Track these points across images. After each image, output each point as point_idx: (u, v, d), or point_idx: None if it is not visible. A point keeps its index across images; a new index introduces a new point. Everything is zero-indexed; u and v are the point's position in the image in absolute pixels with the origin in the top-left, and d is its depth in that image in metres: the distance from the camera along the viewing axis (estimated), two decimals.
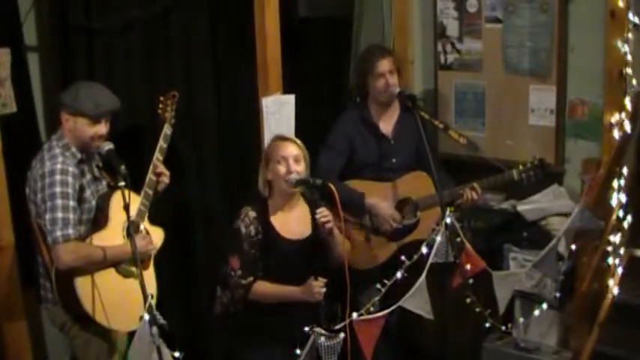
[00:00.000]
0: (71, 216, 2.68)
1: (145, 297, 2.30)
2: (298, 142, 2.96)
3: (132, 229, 2.62)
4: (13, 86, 3.06)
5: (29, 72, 3.23)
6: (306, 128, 3.49)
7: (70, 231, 2.66)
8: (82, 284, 2.69)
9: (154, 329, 2.27)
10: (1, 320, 2.77)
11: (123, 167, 2.59)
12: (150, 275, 2.96)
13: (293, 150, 2.87)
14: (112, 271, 2.80)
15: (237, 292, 2.82)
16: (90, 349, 2.88)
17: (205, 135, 3.65)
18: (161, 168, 3.03)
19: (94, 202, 2.85)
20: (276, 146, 2.90)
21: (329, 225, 2.83)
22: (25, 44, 3.22)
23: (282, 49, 3.27)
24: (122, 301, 2.77)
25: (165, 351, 2.30)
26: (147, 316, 2.25)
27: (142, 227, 2.93)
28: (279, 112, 3.30)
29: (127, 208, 2.48)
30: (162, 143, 3.04)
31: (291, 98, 3.33)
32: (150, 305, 2.27)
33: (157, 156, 3.01)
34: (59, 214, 2.65)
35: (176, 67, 3.54)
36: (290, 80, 3.40)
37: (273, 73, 3.24)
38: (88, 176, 2.88)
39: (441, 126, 3.57)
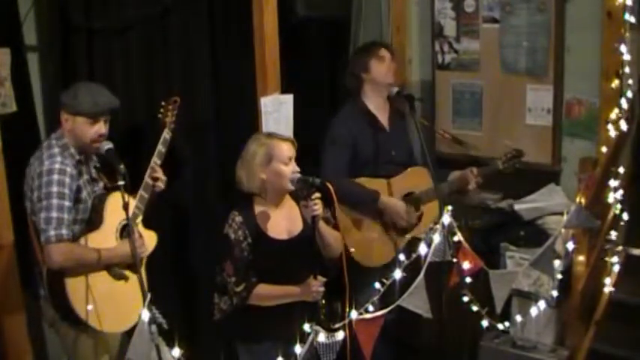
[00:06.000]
0: (66, 216, 2.68)
1: (145, 295, 2.31)
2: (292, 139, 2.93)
3: (130, 229, 2.63)
4: (13, 86, 3.06)
5: (29, 72, 3.24)
6: (305, 128, 3.49)
7: (64, 231, 2.66)
8: (72, 284, 2.69)
9: (153, 327, 2.28)
10: (1, 318, 2.78)
11: (122, 167, 2.59)
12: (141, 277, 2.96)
13: (294, 150, 2.84)
14: (103, 273, 2.80)
15: (235, 298, 2.79)
16: (78, 346, 2.87)
17: (204, 135, 3.66)
18: (158, 172, 2.98)
19: (89, 203, 2.84)
20: (281, 146, 2.80)
21: (316, 212, 2.71)
22: (25, 44, 3.23)
23: (281, 49, 3.28)
24: (112, 303, 2.76)
25: (165, 349, 2.32)
26: (146, 314, 2.26)
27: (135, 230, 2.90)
28: (277, 111, 3.30)
29: (125, 207, 2.47)
30: (160, 148, 2.98)
31: (289, 98, 3.34)
32: (149, 303, 2.28)
33: (155, 160, 2.96)
34: (54, 214, 2.65)
35: (175, 67, 3.55)
36: (288, 80, 3.41)
37: (271, 73, 3.24)
38: (85, 177, 2.87)
39: (426, 123, 3.60)
